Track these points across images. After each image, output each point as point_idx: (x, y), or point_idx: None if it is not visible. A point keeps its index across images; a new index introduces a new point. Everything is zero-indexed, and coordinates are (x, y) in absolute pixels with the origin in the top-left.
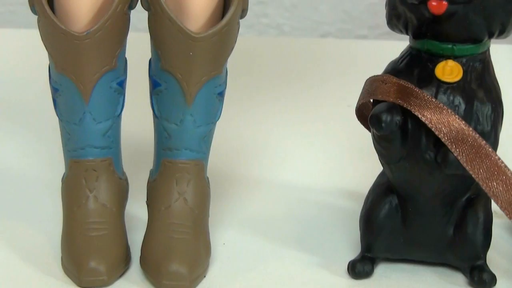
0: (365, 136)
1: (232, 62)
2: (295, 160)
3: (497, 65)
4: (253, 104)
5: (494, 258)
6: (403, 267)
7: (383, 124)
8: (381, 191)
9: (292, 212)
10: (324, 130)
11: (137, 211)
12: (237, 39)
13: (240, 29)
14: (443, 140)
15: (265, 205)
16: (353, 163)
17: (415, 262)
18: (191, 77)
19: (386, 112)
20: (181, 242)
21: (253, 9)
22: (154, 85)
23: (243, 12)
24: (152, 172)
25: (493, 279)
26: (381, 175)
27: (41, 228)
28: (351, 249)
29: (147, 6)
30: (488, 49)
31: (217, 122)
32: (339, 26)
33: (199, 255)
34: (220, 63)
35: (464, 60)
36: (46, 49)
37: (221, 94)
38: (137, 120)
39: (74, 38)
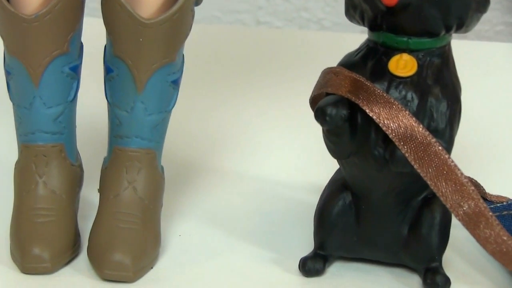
0: None
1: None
2: (267, 153)
3: (498, 63)
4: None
5: (454, 260)
6: (358, 266)
7: (327, 118)
8: (336, 187)
9: (258, 207)
10: (304, 126)
11: (95, 199)
12: (278, 31)
13: (280, 22)
14: (390, 136)
15: (231, 199)
16: (330, 160)
17: (372, 262)
18: (141, 64)
19: (331, 106)
20: (127, 231)
21: (295, 2)
22: (107, 71)
23: (198, 0)
24: (105, 159)
25: (446, 282)
26: (338, 171)
27: None
28: (310, 246)
29: None
30: (449, 44)
31: (211, 113)
32: None
33: (146, 245)
34: (173, 50)
35: (421, 54)
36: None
37: (175, 82)
38: (103, 105)
39: (22, 20)
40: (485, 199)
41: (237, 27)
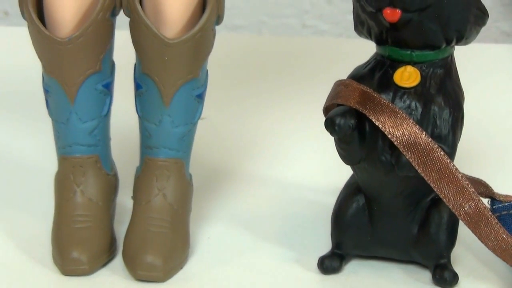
0: None
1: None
2: (292, 158)
3: (498, 65)
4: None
5: (463, 257)
6: (372, 263)
7: (336, 127)
8: (350, 190)
9: (281, 210)
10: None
11: (130, 205)
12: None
13: (325, 26)
14: (395, 143)
15: (255, 202)
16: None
17: (386, 259)
18: (167, 80)
19: (339, 116)
20: (158, 235)
21: (339, 6)
22: (137, 87)
23: (219, 19)
24: (137, 169)
25: (454, 277)
26: (352, 176)
27: (41, 219)
28: (328, 246)
29: (128, 13)
30: (451, 55)
31: (233, 118)
32: None
33: (175, 248)
34: (196, 67)
35: (424, 66)
36: (36, 53)
37: (199, 96)
38: (136, 118)
39: (57, 43)
40: (493, 199)
41: (266, 37)
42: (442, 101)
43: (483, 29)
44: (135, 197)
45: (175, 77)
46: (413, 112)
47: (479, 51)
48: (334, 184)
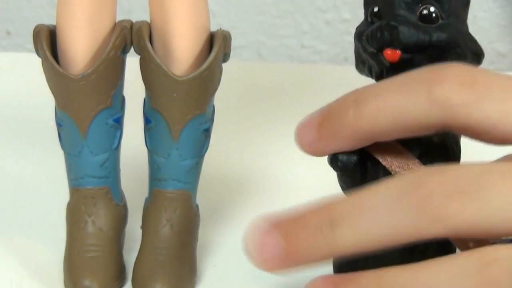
0: None
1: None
2: (295, 186)
3: None
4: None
5: None
6: None
7: (339, 163)
8: None
9: None
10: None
11: (140, 234)
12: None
13: (324, 46)
14: None
15: None
16: None
17: None
18: (175, 116)
19: (343, 153)
20: (166, 264)
21: (338, 27)
22: (146, 121)
23: (225, 57)
24: (146, 200)
25: None
26: None
27: (53, 248)
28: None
29: (138, 51)
30: None
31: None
32: None
33: (183, 276)
34: (204, 103)
35: None
36: (50, 88)
37: (207, 130)
38: (145, 151)
39: (70, 80)
40: None
41: (265, 63)
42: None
43: None
44: (143, 227)
45: (183, 113)
46: (415, 148)
47: None
48: None
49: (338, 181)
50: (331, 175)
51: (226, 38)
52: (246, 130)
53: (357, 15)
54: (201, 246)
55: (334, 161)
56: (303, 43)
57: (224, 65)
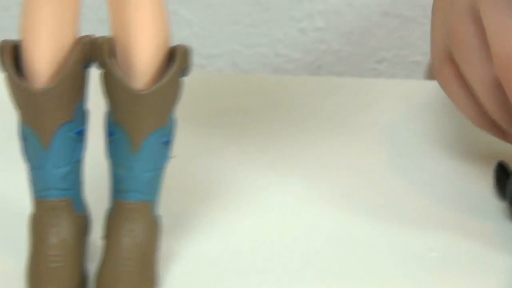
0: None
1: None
2: (262, 196)
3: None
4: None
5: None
6: None
7: None
8: None
9: (251, 250)
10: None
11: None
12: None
13: (298, 55)
14: None
15: (224, 241)
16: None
17: None
18: (136, 129)
19: None
20: (126, 274)
21: (311, 35)
22: (108, 134)
23: (186, 71)
24: (107, 211)
25: None
26: None
27: (15, 258)
28: None
29: (99, 66)
30: None
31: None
32: (395, 52)
33: (144, 286)
34: (164, 116)
35: None
36: (13, 103)
37: (167, 143)
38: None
39: (33, 94)
40: None
41: (239, 74)
42: None
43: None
44: (105, 237)
45: (144, 126)
46: None
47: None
48: (308, 224)
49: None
50: (295, 185)
51: (186, 52)
52: (211, 141)
53: (330, 24)
54: (163, 257)
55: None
56: (277, 52)
57: (195, 77)
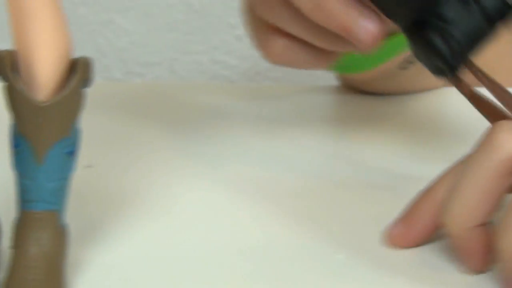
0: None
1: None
2: (175, 207)
3: None
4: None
5: None
6: None
7: None
8: None
9: (161, 257)
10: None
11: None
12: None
13: (235, 61)
14: None
15: (134, 249)
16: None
17: None
18: (39, 140)
19: None
20: (33, 282)
21: (247, 41)
22: (13, 145)
23: (87, 82)
24: (14, 220)
25: None
26: None
27: None
28: None
29: (2, 79)
30: None
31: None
32: None
33: None
34: (66, 127)
35: None
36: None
37: (71, 153)
38: None
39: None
40: None
41: (156, 83)
42: None
43: None
44: (12, 246)
45: (47, 137)
46: None
47: None
48: (223, 233)
49: None
50: (205, 192)
51: (87, 64)
52: (124, 149)
53: None
54: (72, 264)
55: None
56: (214, 59)
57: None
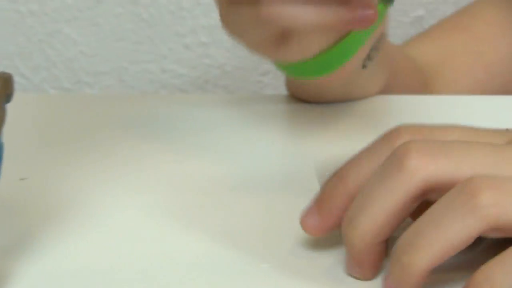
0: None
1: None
2: (108, 219)
3: None
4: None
5: None
6: None
7: None
8: None
9: (93, 269)
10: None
11: None
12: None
13: (184, 70)
14: None
15: (68, 261)
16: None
17: None
18: None
19: None
20: None
21: (196, 50)
22: None
23: (8, 97)
24: None
25: None
26: None
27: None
28: None
29: None
30: None
31: None
32: None
33: None
34: None
35: None
36: None
37: None
38: None
39: None
40: None
41: (93, 95)
42: None
43: None
44: None
45: None
46: None
47: None
48: (150, 242)
49: None
50: (142, 205)
51: (8, 80)
52: (59, 160)
53: (215, 39)
54: (3, 276)
55: None
56: (163, 68)
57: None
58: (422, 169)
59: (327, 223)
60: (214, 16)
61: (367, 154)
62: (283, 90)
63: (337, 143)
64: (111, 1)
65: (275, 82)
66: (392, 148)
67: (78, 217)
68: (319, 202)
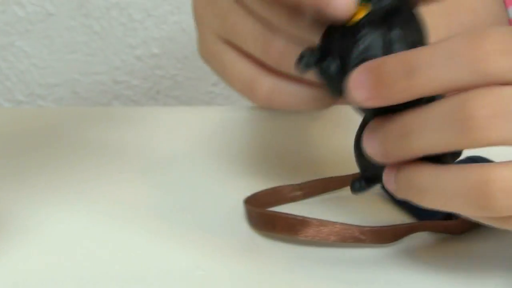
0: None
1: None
2: (54, 236)
3: None
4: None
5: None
6: None
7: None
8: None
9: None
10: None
11: None
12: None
13: (137, 81)
14: None
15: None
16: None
17: None
18: None
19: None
20: None
21: (148, 62)
22: None
23: None
24: None
25: None
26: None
27: None
28: None
29: None
30: None
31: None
32: None
33: None
34: None
35: None
36: None
37: None
38: None
39: None
40: None
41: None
42: None
43: None
44: None
45: None
46: None
47: None
48: (89, 252)
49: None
50: (77, 220)
51: None
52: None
53: (166, 50)
54: None
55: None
56: (116, 79)
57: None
58: (493, 133)
59: (373, 103)
60: (165, 27)
61: (442, 59)
62: (233, 100)
63: (293, 151)
64: (62, 14)
65: (226, 92)
66: (474, 57)
67: (19, 230)
68: (376, 83)
